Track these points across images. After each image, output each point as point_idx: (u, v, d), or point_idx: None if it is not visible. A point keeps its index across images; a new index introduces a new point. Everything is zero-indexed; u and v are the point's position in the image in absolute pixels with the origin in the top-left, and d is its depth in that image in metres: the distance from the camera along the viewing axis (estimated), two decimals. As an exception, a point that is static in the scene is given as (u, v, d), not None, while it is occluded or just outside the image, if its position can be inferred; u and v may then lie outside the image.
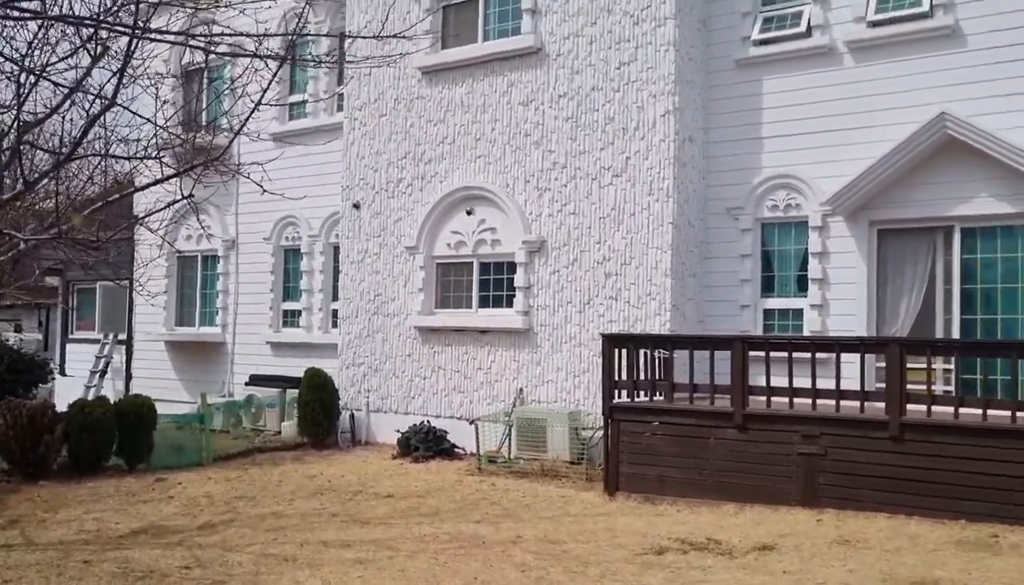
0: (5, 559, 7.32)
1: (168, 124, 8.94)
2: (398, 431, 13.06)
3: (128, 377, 18.73)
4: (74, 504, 9.68)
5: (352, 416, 14.11)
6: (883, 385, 9.05)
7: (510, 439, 12.03)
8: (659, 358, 10.51)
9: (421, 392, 13.68)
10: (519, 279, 12.72)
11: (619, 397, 10.25)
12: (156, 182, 7.86)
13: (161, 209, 8.27)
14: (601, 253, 12.13)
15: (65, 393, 18.03)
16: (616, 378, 10.21)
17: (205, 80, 17.01)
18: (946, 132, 10.41)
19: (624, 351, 10.24)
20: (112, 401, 12.44)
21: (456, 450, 12.80)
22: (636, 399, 10.24)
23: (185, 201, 8.31)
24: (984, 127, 10.23)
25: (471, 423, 12.27)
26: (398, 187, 14.07)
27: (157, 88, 8.17)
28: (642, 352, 10.30)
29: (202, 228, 8.16)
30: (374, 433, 14.09)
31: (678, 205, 11.68)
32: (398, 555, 7.35)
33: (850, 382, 9.28)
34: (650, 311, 11.69)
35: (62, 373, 20.49)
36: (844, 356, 9.07)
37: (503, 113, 13.07)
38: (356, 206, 14.48)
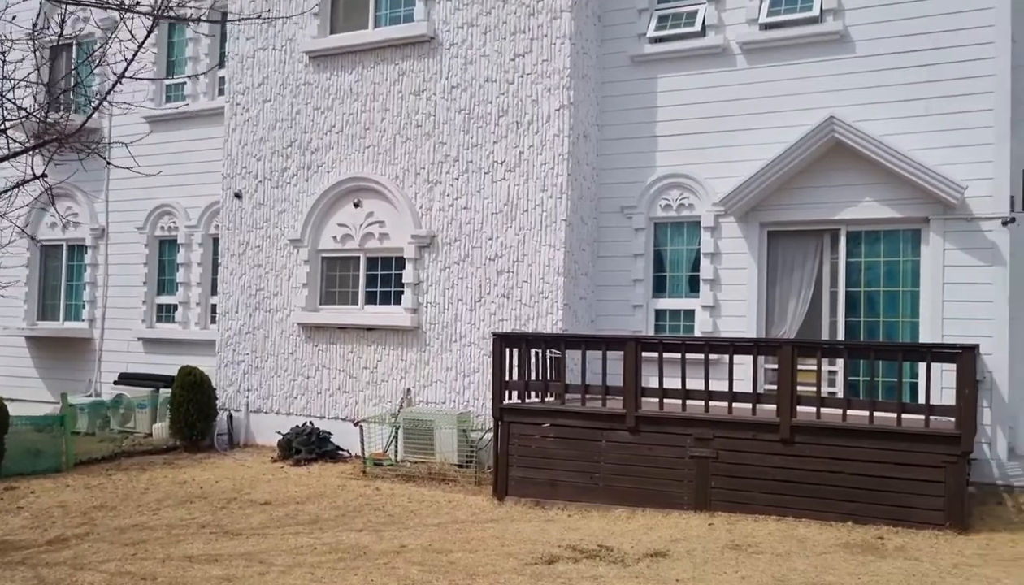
0: None
1: (24, 98, 8.14)
2: (279, 433, 12.41)
3: (-17, 375, 17.34)
4: (-92, 517, 8.72)
5: (230, 417, 13.35)
6: (774, 387, 9.02)
7: (397, 441, 11.57)
8: (551, 358, 10.26)
9: (304, 392, 13.05)
10: (408, 275, 12.26)
11: (509, 398, 9.94)
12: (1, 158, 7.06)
13: (6, 190, 7.45)
14: (493, 249, 11.80)
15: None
16: (507, 378, 9.89)
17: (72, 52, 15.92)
18: (834, 136, 10.49)
19: (515, 351, 9.93)
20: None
21: (341, 453, 12.26)
22: (527, 400, 9.94)
23: (37, 180, 7.54)
24: (870, 132, 10.36)
25: (356, 425, 11.75)
26: (283, 177, 13.39)
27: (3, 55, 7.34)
28: (534, 352, 10.01)
29: (58, 215, 7.35)
30: (254, 435, 13.38)
31: (572, 202, 11.46)
32: (270, 570, 6.82)
33: (742, 384, 9.24)
34: (542, 310, 11.43)
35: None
36: (736, 357, 8.99)
37: (394, 102, 12.58)
38: (238, 195, 13.72)
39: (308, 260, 13.04)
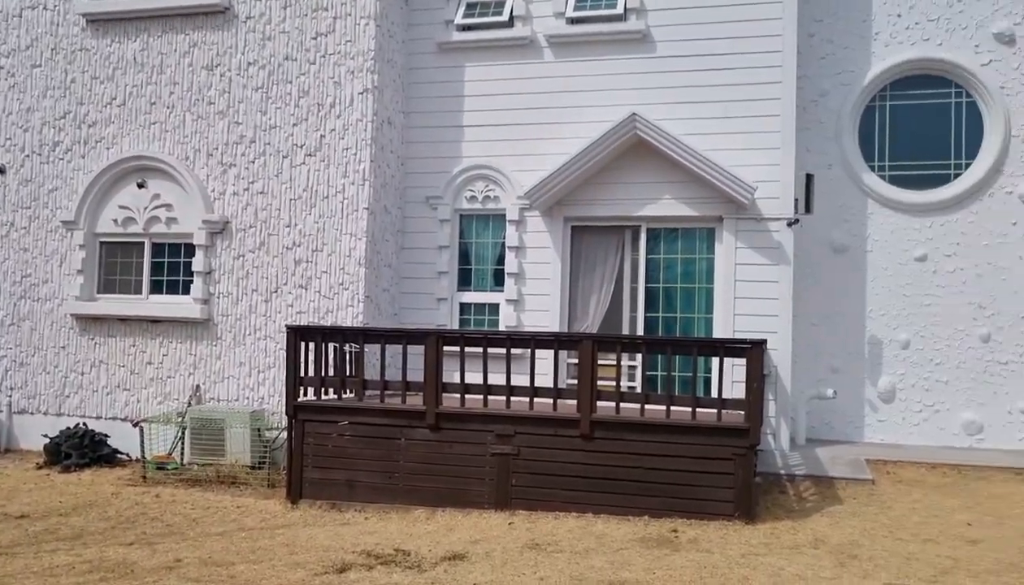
0: None
1: None
2: (46, 436, 11.21)
3: None
4: None
5: (-12, 419, 11.97)
6: (575, 382, 9.00)
7: (183, 443, 10.72)
8: (350, 353, 9.79)
9: (78, 390, 11.87)
10: (198, 263, 11.39)
11: (305, 395, 9.39)
12: None
13: None
14: (291, 238, 11.16)
15: None
16: (302, 374, 9.34)
17: None
18: (636, 133, 10.64)
19: (311, 345, 9.39)
20: None
21: (119, 456, 11.23)
22: (324, 397, 9.44)
23: None
24: (671, 131, 10.57)
25: (135, 425, 10.78)
26: (54, 151, 12.10)
27: None
28: (332, 346, 9.52)
29: None
30: (18, 439, 12.04)
31: (375, 190, 11.02)
32: (19, 597, 6.01)
33: (545, 379, 9.16)
34: (343, 301, 10.93)
35: None
36: (539, 352, 8.89)
37: (183, 76, 11.64)
38: (1, 171, 12.27)
39: (84, 244, 11.86)
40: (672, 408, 8.38)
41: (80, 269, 11.85)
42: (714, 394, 8.78)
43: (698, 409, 8.35)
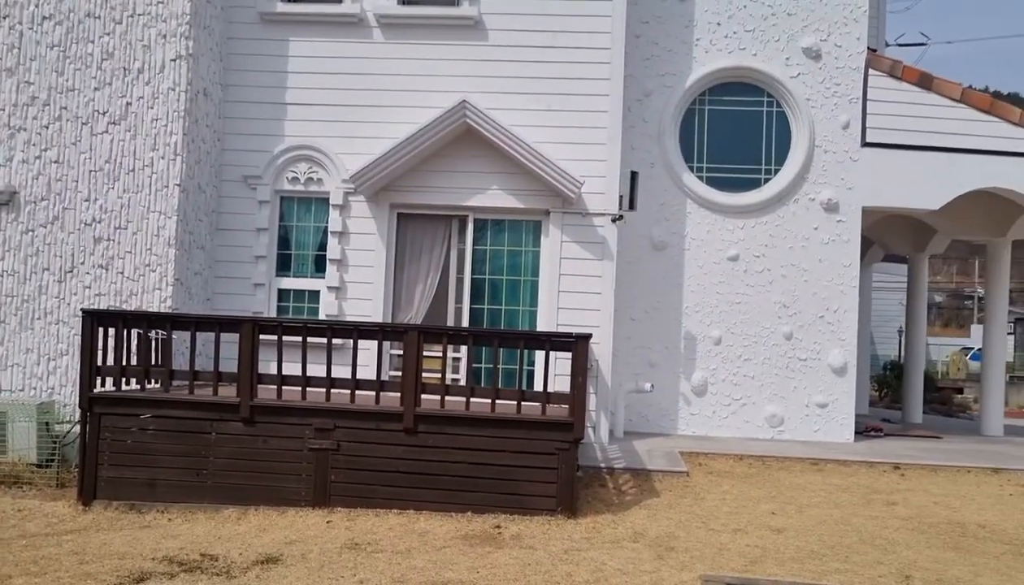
0: None
1: None
2: None
3: None
4: None
5: None
6: (399, 374, 8.72)
7: (-45, 437, 9.59)
8: (156, 340, 9.05)
9: None
10: (-23, 237, 10.22)
11: (103, 386, 8.60)
12: None
13: None
14: (91, 213, 10.21)
15: None
16: (100, 363, 8.53)
17: None
18: (466, 121, 10.47)
19: (111, 330, 8.60)
20: None
21: None
22: (125, 388, 8.67)
23: None
24: (500, 120, 10.48)
25: None
26: None
27: None
28: (135, 332, 8.75)
29: None
30: None
31: (187, 166, 10.26)
32: None
33: (368, 371, 8.82)
34: (149, 284, 10.12)
35: None
36: (361, 343, 8.54)
37: (-35, 27, 10.39)
38: None
39: None
40: (497, 402, 8.28)
41: None
42: (539, 388, 8.75)
43: (523, 403, 8.29)
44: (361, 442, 8.26)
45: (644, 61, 11.92)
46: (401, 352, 8.58)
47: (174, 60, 10.21)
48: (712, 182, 11.98)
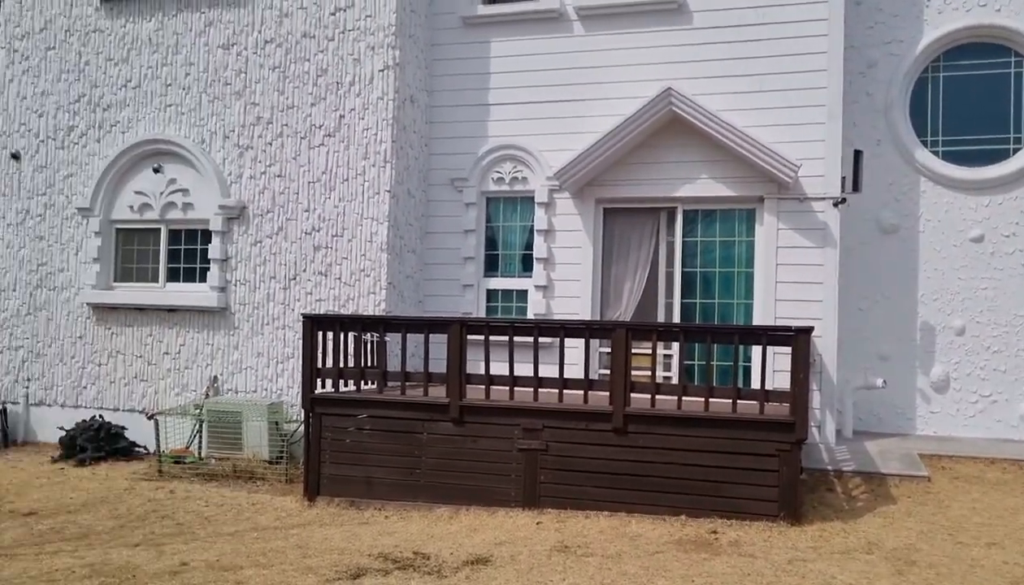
0: None
1: None
2: (62, 429, 10.90)
3: None
4: None
5: (4, 411, 11.67)
6: (608, 372, 8.46)
7: (201, 435, 10.36)
8: (371, 343, 9.33)
9: (95, 381, 11.55)
10: (215, 250, 10.99)
11: (323, 387, 8.95)
12: None
13: None
14: (310, 223, 10.72)
15: None
16: (319, 365, 8.89)
17: None
18: (671, 109, 10.04)
19: (330, 334, 8.94)
20: None
21: (137, 449, 10.89)
22: (343, 389, 8.99)
23: None
24: (708, 106, 9.96)
25: (150, 418, 10.40)
26: (69, 136, 11.76)
27: None
28: (351, 335, 9.05)
29: None
30: (35, 431, 11.77)
31: (397, 172, 10.53)
32: (10, 605, 5.63)
33: (575, 370, 8.62)
34: (364, 289, 10.47)
35: None
36: (568, 341, 8.35)
37: (199, 56, 11.22)
38: (15, 157, 11.97)
39: (100, 232, 11.51)
40: (711, 400, 7.81)
41: (96, 257, 11.51)
42: (756, 385, 8.18)
43: (739, 401, 7.77)
44: (570, 442, 8.06)
45: (867, 30, 10.97)
46: (609, 350, 8.31)
47: (382, 70, 10.52)
48: (949, 157, 10.82)
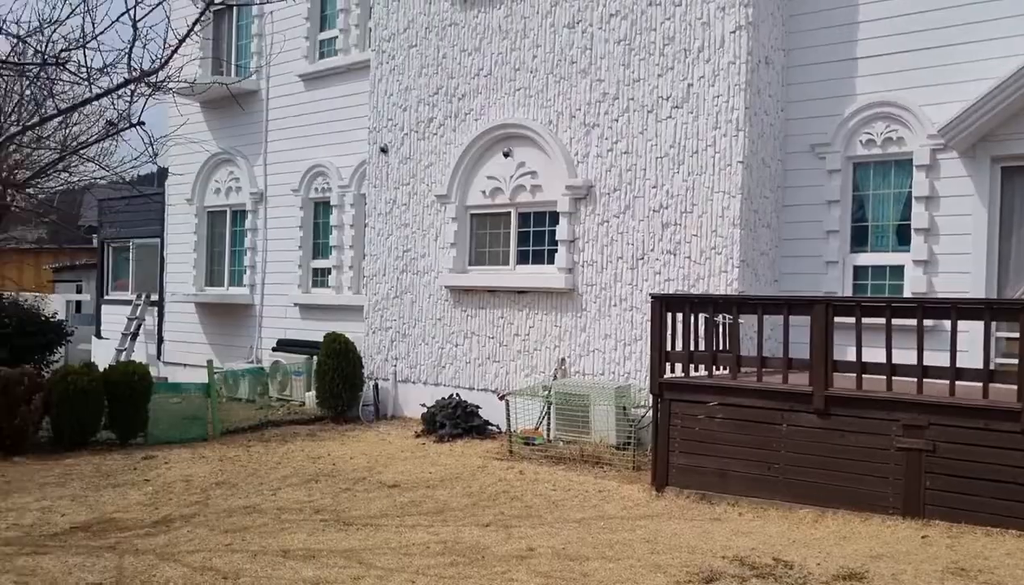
0: None
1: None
2: (423, 405, 11.47)
3: (160, 340, 17.66)
4: (33, 487, 8.37)
5: (376, 387, 12.58)
6: (1012, 361, 6.99)
7: (549, 418, 10.33)
8: (723, 324, 8.62)
9: (452, 361, 12.04)
10: (562, 231, 10.92)
11: (672, 371, 8.41)
12: (83, 102, 6.30)
13: (99, 138, 6.72)
14: (658, 199, 10.23)
15: (102, 356, 17.09)
16: (668, 349, 8.36)
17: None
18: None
19: (679, 316, 8.37)
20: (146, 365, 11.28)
21: (489, 428, 11.16)
22: (693, 374, 8.37)
23: (134, 128, 6.79)
24: None
25: (501, 398, 10.57)
26: (428, 127, 12.36)
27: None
28: (701, 317, 8.39)
29: (151, 153, 6.45)
30: (401, 407, 12.56)
31: (750, 141, 9.68)
32: (367, 574, 5.73)
33: (968, 357, 7.24)
34: (715, 267, 9.77)
35: (98, 336, 19.60)
36: (961, 324, 7.00)
37: (546, 38, 11.19)
38: (383, 150, 12.85)
39: (456, 218, 11.97)
40: None
41: (452, 242, 11.97)
42: None
43: None
44: (964, 443, 6.76)
45: None
46: (1013, 335, 6.85)
47: (733, 32, 9.72)
48: None
